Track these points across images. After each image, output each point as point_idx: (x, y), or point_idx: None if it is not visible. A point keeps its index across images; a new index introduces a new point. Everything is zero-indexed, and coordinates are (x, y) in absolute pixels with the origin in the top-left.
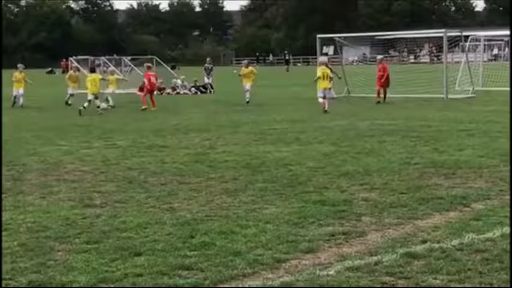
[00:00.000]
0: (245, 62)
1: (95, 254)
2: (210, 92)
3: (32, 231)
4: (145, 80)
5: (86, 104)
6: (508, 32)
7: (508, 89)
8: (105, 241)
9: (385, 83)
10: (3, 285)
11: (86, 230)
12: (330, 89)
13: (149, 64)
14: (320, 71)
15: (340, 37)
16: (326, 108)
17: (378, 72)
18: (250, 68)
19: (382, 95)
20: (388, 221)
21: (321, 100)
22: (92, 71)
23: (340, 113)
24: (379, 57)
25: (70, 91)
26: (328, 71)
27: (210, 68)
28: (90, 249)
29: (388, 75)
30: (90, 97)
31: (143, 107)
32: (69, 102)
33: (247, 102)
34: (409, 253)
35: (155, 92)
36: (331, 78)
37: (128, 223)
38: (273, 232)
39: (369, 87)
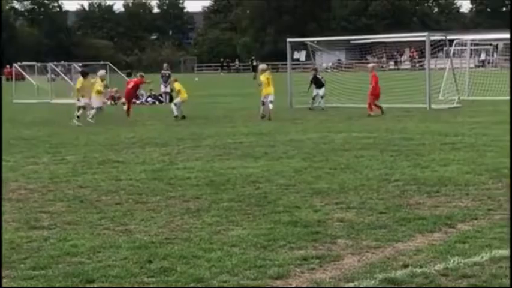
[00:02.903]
0: None
1: (43, 281)
2: (171, 101)
3: None
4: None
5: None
6: (496, 36)
7: (497, 98)
8: (54, 267)
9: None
10: (3, 285)
11: (33, 254)
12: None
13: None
14: (264, 77)
15: (312, 41)
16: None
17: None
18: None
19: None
20: (365, 244)
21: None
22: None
23: (312, 124)
24: (369, 65)
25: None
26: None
27: (167, 75)
28: (37, 276)
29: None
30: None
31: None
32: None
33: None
34: (389, 279)
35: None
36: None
37: (79, 247)
38: (239, 256)
39: (345, 96)
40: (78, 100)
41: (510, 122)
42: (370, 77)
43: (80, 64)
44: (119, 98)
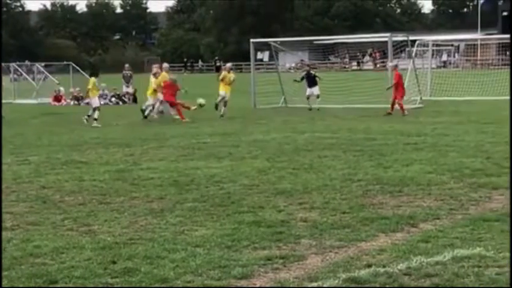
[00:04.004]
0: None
1: (6, 282)
2: (135, 102)
3: None
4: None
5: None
6: (456, 37)
7: (459, 98)
8: (17, 268)
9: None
10: (3, 285)
11: None
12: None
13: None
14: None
15: (275, 41)
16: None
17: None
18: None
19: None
20: (329, 244)
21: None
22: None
23: (276, 125)
24: (391, 64)
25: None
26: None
27: (128, 75)
28: None
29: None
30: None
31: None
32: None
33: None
34: (352, 278)
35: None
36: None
37: (43, 247)
38: (203, 256)
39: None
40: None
41: (510, 122)
42: (394, 76)
43: (43, 64)
44: (82, 98)
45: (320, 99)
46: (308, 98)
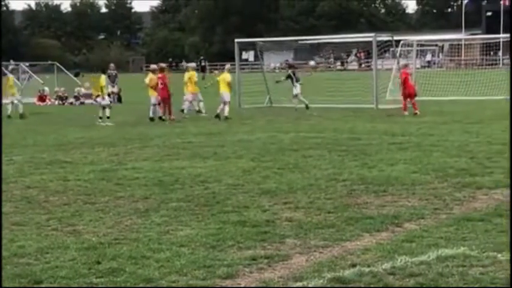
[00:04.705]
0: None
1: None
2: (119, 102)
3: None
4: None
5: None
6: (440, 37)
7: (443, 98)
8: (2, 268)
9: (404, 92)
10: (3, 285)
11: None
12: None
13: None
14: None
15: (260, 41)
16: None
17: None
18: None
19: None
20: (314, 243)
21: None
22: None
23: (261, 124)
24: (401, 63)
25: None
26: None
27: (114, 74)
28: None
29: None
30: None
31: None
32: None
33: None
34: (337, 278)
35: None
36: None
37: (27, 248)
38: (188, 256)
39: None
40: (103, 99)
41: (510, 122)
42: (400, 76)
43: (27, 64)
44: (66, 97)
45: (297, 99)
46: (295, 96)
